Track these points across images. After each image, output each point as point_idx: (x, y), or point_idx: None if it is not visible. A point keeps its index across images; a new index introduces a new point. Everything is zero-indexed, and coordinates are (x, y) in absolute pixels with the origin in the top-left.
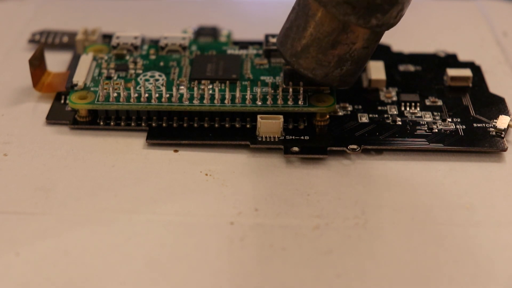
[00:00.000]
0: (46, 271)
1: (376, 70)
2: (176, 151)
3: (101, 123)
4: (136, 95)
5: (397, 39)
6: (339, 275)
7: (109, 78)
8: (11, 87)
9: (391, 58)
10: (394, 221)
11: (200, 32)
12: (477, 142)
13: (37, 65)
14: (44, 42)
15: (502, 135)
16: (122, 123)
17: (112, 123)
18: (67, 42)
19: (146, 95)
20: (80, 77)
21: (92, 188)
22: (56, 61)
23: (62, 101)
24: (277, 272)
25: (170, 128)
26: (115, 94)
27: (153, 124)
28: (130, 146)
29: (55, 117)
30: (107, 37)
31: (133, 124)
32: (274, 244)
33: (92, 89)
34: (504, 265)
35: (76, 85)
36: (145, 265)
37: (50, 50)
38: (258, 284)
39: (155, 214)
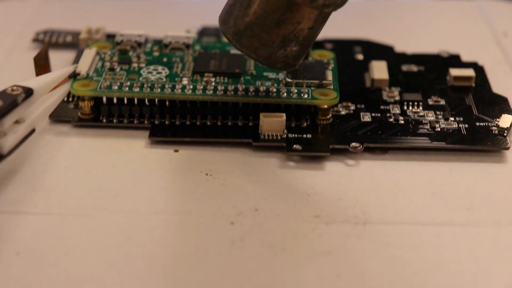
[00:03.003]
0: (47, 271)
1: (379, 69)
2: (176, 151)
3: (104, 120)
4: (138, 84)
5: (397, 39)
6: (339, 276)
7: (112, 69)
8: None
9: (394, 59)
10: (394, 221)
11: (204, 32)
12: (479, 141)
13: (42, 64)
14: (48, 42)
15: (505, 134)
16: (125, 120)
17: (114, 120)
18: (70, 41)
19: (149, 84)
20: (83, 67)
21: (92, 188)
22: (59, 60)
23: (65, 99)
24: (277, 272)
25: (172, 126)
26: (118, 83)
27: (156, 122)
28: (131, 146)
29: (58, 115)
30: (111, 37)
31: (135, 121)
32: (274, 244)
33: (94, 78)
34: (504, 265)
35: (78, 74)
36: (145, 265)
37: (53, 49)
38: (258, 284)
39: (155, 214)
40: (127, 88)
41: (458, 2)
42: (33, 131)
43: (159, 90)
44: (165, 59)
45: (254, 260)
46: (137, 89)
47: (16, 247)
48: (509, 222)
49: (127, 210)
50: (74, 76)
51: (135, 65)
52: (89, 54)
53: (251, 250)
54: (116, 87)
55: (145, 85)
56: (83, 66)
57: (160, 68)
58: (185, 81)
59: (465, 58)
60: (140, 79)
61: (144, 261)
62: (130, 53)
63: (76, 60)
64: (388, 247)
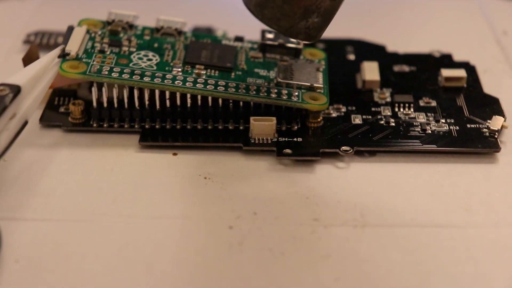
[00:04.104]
0: (46, 278)
1: (370, 70)
2: (175, 154)
3: (94, 124)
4: (128, 71)
5: (394, 38)
6: (338, 279)
7: (102, 52)
8: None
9: (386, 59)
10: (393, 223)
11: (195, 32)
12: (470, 143)
13: None
14: (38, 43)
15: (496, 136)
16: (115, 125)
17: (105, 125)
18: (62, 42)
19: (139, 72)
20: (72, 47)
21: (91, 192)
22: None
23: (56, 102)
24: (276, 276)
25: (163, 130)
26: (108, 68)
27: (146, 126)
28: (129, 150)
29: (48, 119)
30: None
31: (126, 125)
32: (273, 248)
33: (84, 60)
34: (503, 266)
35: (68, 54)
36: (144, 270)
37: (46, 50)
38: None
39: (154, 218)
40: (116, 74)
41: (457, 1)
42: (25, 123)
43: (149, 79)
44: (156, 45)
45: (253, 264)
46: (126, 76)
47: (15, 254)
48: (508, 223)
49: (126, 215)
50: (63, 56)
51: (125, 48)
52: (79, 33)
53: (250, 254)
54: (106, 72)
55: (135, 73)
56: (73, 46)
57: (150, 54)
58: (175, 71)
59: (464, 57)
60: (131, 65)
61: (143, 266)
62: (121, 35)
63: (66, 38)
64: (387, 249)
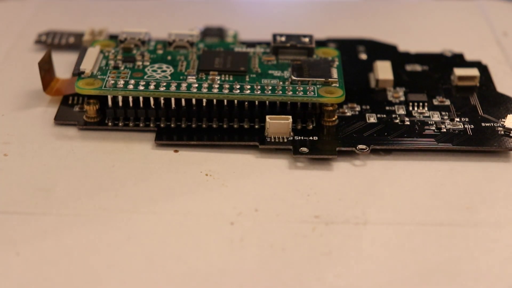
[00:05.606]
0: (46, 271)
1: (383, 70)
2: (176, 151)
3: (109, 123)
4: (143, 82)
5: (398, 38)
6: (339, 276)
7: (116, 68)
8: (12, 87)
9: (398, 58)
10: (394, 221)
11: (206, 32)
12: (485, 142)
13: (46, 68)
14: (51, 46)
15: (511, 134)
16: (131, 124)
17: (120, 124)
18: (73, 42)
19: (154, 83)
20: (87, 65)
21: (92, 188)
22: (62, 62)
23: (70, 102)
24: (276, 273)
25: (178, 129)
26: (123, 82)
27: (161, 125)
28: (130, 146)
29: (63, 118)
30: (114, 38)
31: (141, 124)
32: (274, 244)
33: (99, 77)
34: (505, 265)
35: (83, 72)
36: (145, 265)
37: (56, 51)
38: (258, 285)
39: (155, 214)
40: (132, 87)
41: (458, 2)
42: None
43: (164, 88)
44: (169, 57)
45: (254, 260)
46: (142, 88)
47: (16, 248)
48: (509, 222)
49: (127, 210)
50: (78, 74)
51: (139, 63)
52: (92, 53)
53: (251, 250)
54: (121, 85)
55: (150, 84)
56: (88, 65)
57: (164, 66)
58: (190, 79)
59: (465, 57)
60: (145, 77)
61: (144, 261)
62: (134, 51)
63: (80, 58)
64: (388, 247)
